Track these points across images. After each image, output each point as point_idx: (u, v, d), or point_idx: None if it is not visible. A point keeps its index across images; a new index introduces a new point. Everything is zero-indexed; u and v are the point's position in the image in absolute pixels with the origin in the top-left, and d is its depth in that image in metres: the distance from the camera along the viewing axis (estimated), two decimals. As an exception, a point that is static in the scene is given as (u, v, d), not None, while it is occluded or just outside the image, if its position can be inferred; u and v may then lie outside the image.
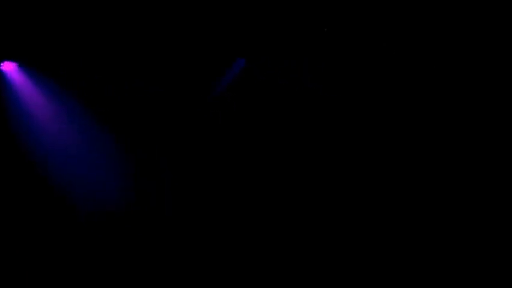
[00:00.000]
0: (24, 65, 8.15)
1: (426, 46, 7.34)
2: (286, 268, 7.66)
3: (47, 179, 7.93)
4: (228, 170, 8.07)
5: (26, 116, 8.20)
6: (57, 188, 7.94)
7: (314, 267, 7.63)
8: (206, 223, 7.90)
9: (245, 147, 8.08)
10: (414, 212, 7.56)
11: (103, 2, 7.32)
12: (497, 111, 7.31)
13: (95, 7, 7.38)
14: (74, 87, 8.13)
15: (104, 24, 7.55)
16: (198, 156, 8.14)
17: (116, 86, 8.15)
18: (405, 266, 7.42)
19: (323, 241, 7.70)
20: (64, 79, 8.11)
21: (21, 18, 7.48)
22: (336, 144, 7.92)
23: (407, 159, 7.69)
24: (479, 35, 7.09)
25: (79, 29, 7.62)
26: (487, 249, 7.20)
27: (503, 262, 7.09)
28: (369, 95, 7.76)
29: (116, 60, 7.93)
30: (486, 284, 7.11)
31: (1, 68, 8.21)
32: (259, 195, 7.95)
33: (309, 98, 7.89)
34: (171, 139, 8.19)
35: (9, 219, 7.67)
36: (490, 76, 7.28)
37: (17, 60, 8.14)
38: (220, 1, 7.14)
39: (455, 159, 7.51)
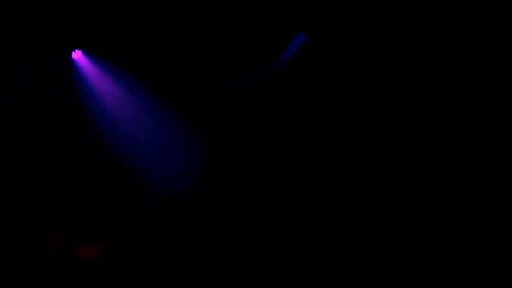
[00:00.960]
0: (93, 53, 8.39)
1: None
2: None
3: (117, 163, 8.27)
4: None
5: (97, 103, 8.48)
6: (128, 170, 8.28)
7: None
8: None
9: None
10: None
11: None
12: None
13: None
14: (141, 74, 8.38)
15: (167, 15, 7.84)
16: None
17: (177, 75, 8.38)
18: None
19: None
20: (133, 67, 8.36)
21: (92, 8, 7.83)
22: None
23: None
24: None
25: (147, 18, 7.93)
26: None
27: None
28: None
29: (177, 49, 8.20)
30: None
31: (72, 56, 8.43)
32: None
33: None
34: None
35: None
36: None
37: (87, 49, 8.38)
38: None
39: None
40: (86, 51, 8.48)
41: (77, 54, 8.51)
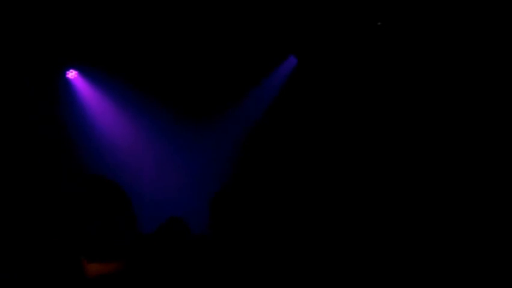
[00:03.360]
0: (89, 72, 8.11)
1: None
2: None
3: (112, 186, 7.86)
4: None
5: (92, 124, 8.21)
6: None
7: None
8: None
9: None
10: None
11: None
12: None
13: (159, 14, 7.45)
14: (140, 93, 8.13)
15: (168, 29, 7.63)
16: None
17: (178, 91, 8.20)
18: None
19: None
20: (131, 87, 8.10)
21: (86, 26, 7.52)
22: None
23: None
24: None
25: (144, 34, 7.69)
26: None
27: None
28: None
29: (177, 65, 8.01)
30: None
31: (67, 76, 8.16)
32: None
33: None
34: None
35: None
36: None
37: (82, 67, 8.11)
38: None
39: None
40: (84, 71, 8.25)
41: (72, 74, 8.28)
